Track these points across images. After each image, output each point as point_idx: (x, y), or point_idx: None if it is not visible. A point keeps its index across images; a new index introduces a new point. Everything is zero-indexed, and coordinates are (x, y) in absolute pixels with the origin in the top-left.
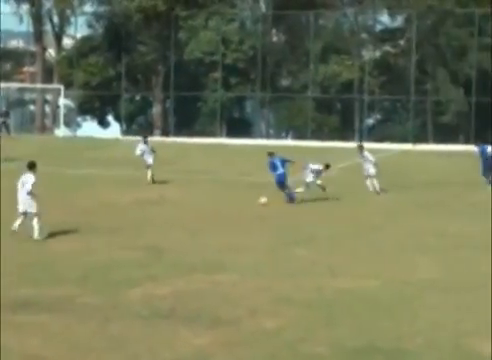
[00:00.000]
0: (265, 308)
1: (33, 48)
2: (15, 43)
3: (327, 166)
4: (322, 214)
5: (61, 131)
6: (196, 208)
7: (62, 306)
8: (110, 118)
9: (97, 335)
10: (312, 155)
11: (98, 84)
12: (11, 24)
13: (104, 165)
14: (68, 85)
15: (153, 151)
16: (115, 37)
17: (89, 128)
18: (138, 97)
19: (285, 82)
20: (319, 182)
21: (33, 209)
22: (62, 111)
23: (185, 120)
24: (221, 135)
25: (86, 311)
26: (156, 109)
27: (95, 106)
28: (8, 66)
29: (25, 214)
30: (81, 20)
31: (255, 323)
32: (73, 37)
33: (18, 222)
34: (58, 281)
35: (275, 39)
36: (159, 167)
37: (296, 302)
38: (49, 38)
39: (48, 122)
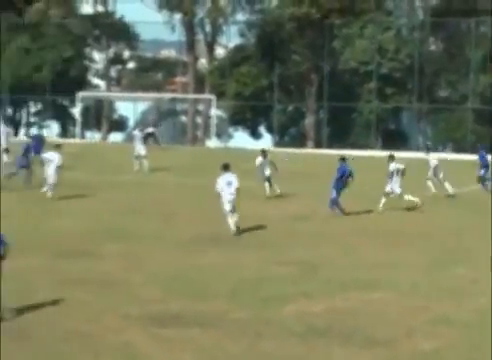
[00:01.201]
0: (423, 328)
1: (185, 58)
2: (167, 53)
3: None
4: (484, 231)
5: (212, 142)
6: (346, 223)
7: (212, 321)
8: (262, 129)
9: (249, 352)
10: (472, 169)
11: (250, 94)
12: (163, 34)
13: (255, 178)
14: (220, 95)
15: (272, 164)
16: (268, 46)
17: (241, 139)
18: (291, 108)
19: (443, 93)
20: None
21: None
22: (214, 122)
23: (339, 132)
24: (376, 147)
25: (237, 327)
26: (309, 120)
27: (247, 117)
28: (160, 76)
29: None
30: (233, 29)
31: (412, 344)
32: (225, 46)
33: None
34: (207, 295)
35: (433, 47)
36: (307, 180)
37: (455, 323)
38: (201, 48)
39: (199, 133)
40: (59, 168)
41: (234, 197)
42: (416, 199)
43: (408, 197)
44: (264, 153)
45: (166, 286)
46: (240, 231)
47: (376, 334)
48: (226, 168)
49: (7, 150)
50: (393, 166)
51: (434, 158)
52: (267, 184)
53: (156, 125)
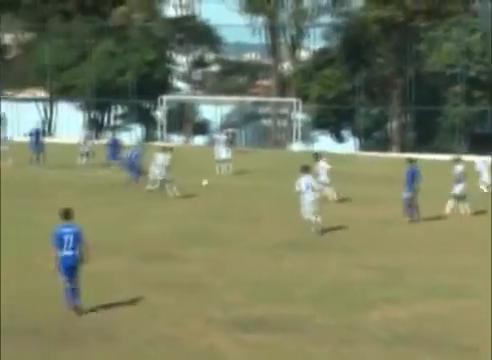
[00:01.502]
0: None
1: (268, 61)
2: (250, 56)
3: None
4: None
5: (296, 146)
6: (433, 228)
7: (296, 326)
8: (346, 133)
9: (333, 357)
10: None
11: (334, 98)
12: (246, 36)
13: (339, 181)
14: (303, 99)
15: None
16: (352, 49)
17: (324, 143)
18: (375, 111)
19: None
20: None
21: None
22: (297, 125)
23: (424, 136)
24: (462, 151)
25: (321, 332)
26: (394, 124)
27: (331, 120)
28: (243, 79)
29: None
30: (317, 32)
31: None
32: (309, 49)
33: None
34: (291, 300)
35: None
36: (391, 184)
37: None
38: (284, 50)
39: (282, 136)
40: (167, 168)
41: (315, 199)
42: None
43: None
44: (317, 156)
45: (250, 290)
46: (321, 233)
47: (465, 342)
48: (306, 170)
49: (87, 154)
50: (459, 169)
51: None
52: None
53: (235, 126)
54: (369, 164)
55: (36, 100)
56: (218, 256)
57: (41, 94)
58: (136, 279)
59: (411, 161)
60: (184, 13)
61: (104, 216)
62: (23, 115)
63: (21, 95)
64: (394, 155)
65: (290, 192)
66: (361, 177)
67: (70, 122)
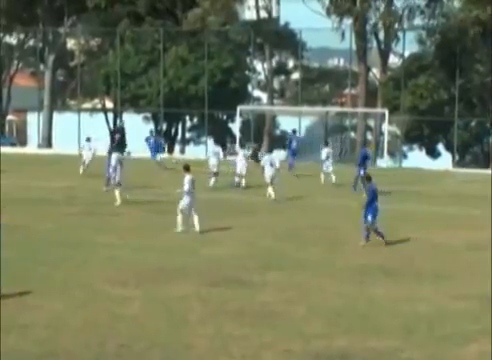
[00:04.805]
0: None
1: (356, 68)
2: (335, 62)
3: None
4: None
5: (384, 161)
6: None
7: None
8: (441, 147)
9: None
10: None
11: (428, 108)
12: (331, 41)
13: (431, 201)
14: (393, 109)
15: None
16: (448, 54)
17: (416, 158)
18: (473, 123)
19: None
20: None
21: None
22: (386, 139)
23: None
24: None
25: None
26: None
27: (424, 133)
28: (327, 88)
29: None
30: (410, 36)
31: None
32: (401, 55)
33: None
34: (378, 331)
35: None
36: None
37: None
38: (373, 56)
39: (369, 151)
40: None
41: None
42: None
43: None
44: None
45: (332, 320)
46: (412, 259)
47: None
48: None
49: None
50: None
51: None
52: None
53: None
54: (466, 182)
55: (101, 111)
56: (296, 281)
57: (108, 104)
58: (206, 307)
59: None
60: (262, 16)
61: (170, 237)
62: (87, 127)
63: (85, 105)
64: None
65: (380, 212)
66: (456, 196)
67: (137, 135)
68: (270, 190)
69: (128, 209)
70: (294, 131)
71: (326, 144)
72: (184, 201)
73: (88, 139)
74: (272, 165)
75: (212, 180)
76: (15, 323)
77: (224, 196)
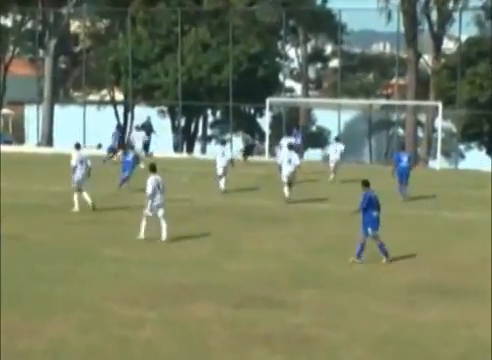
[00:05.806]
0: None
1: (404, 54)
2: (380, 48)
3: None
4: None
5: (437, 162)
6: None
7: None
8: None
9: None
10: None
11: (488, 101)
12: (376, 23)
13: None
14: (448, 102)
15: None
16: None
17: (475, 159)
18: None
19: None
20: None
21: None
22: (439, 136)
23: None
24: None
25: None
26: None
27: (483, 130)
28: (371, 77)
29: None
30: (467, 17)
31: None
32: (457, 39)
33: None
34: None
35: None
36: None
37: None
38: (425, 41)
39: (421, 150)
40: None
41: None
42: None
43: None
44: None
45: (376, 347)
46: (471, 276)
47: None
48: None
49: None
50: None
51: None
52: None
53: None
54: None
55: (109, 103)
56: (335, 301)
57: (118, 96)
58: (230, 330)
59: None
60: None
61: (186, 249)
62: (93, 122)
63: (91, 97)
64: None
65: (430, 220)
66: None
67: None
68: (285, 190)
69: (133, 216)
70: (337, 139)
71: (337, 140)
72: (148, 205)
73: (77, 146)
74: (290, 162)
75: (222, 183)
76: (11, 349)
77: (243, 201)
